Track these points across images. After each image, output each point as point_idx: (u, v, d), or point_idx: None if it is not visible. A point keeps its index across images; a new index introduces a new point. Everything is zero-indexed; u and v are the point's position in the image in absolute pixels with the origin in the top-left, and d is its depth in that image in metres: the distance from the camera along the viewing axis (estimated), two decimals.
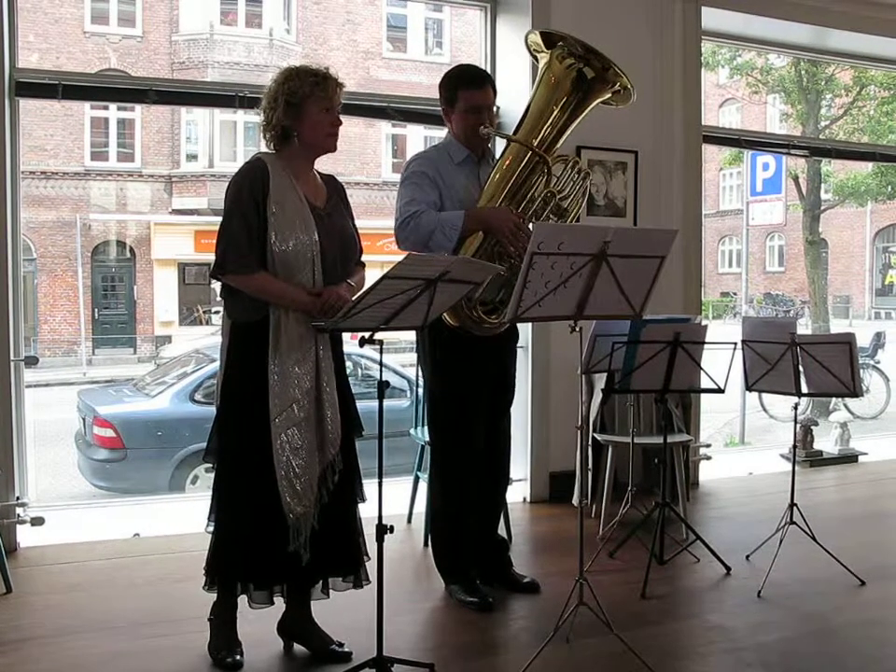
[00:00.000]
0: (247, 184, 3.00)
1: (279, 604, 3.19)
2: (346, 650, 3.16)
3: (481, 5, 5.52)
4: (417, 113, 5.43)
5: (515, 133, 3.69)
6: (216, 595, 3.13)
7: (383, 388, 2.88)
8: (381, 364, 2.95)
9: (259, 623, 3.21)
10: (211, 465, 3.14)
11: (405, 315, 2.79)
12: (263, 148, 3.19)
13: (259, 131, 3.18)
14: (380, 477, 2.89)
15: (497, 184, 3.59)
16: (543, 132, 3.61)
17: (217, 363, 3.24)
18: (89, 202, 19.30)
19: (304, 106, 3.05)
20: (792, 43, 6.71)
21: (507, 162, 3.60)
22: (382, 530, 2.86)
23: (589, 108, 3.67)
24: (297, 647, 3.25)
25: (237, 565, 3.05)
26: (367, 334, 2.79)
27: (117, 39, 19.10)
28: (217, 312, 18.41)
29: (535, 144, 3.57)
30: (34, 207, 17.87)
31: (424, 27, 21.69)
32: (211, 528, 3.10)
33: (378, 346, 2.84)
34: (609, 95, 3.66)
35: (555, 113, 3.61)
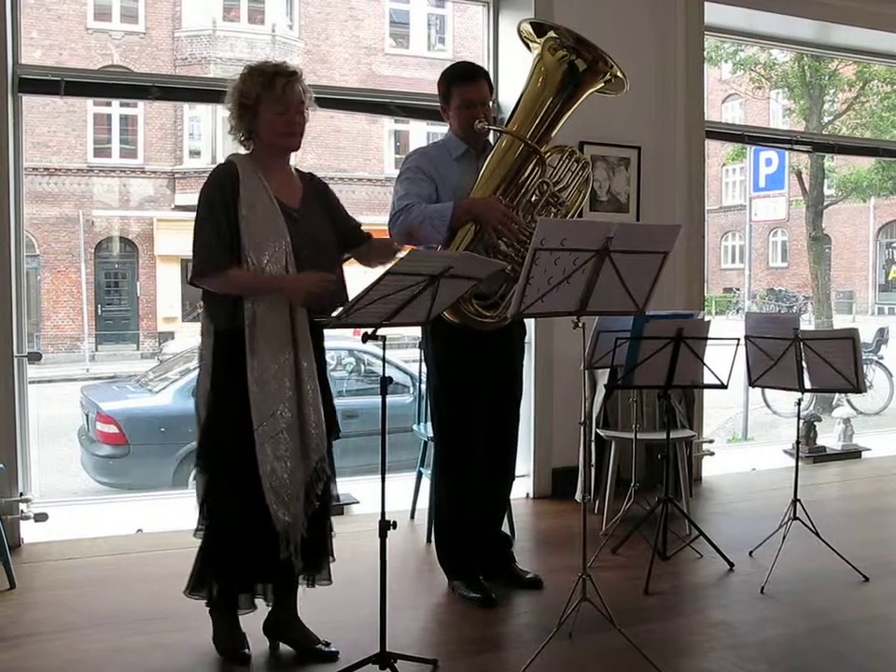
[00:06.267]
0: (218, 190, 2.98)
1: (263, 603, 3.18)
2: (332, 649, 3.15)
3: (483, 0, 5.51)
4: (420, 109, 5.42)
5: (507, 123, 3.69)
6: (204, 600, 3.10)
7: (386, 384, 2.87)
8: (384, 360, 2.94)
9: (243, 624, 3.18)
10: (198, 470, 3.12)
11: (408, 311, 2.78)
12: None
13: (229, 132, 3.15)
14: (383, 473, 2.88)
15: (489, 175, 3.59)
16: (536, 123, 3.59)
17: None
18: (92, 198, 19.30)
19: (258, 108, 3.00)
20: (796, 38, 6.69)
21: (499, 154, 3.59)
22: (385, 526, 2.87)
23: (581, 99, 3.66)
24: (283, 646, 3.22)
25: (232, 571, 3.04)
26: (370, 330, 2.78)
27: (119, 36, 19.09)
28: None
29: (528, 135, 3.55)
30: (36, 204, 17.88)
31: (426, 23, 21.66)
32: (199, 534, 3.11)
33: (381, 342, 2.83)
34: (602, 85, 3.66)
35: (548, 104, 3.60)
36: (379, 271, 2.68)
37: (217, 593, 3.08)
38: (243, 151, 3.14)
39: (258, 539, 2.97)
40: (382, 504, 2.88)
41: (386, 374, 2.89)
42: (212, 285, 2.99)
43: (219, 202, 2.95)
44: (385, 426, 2.88)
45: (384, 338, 2.81)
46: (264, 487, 2.93)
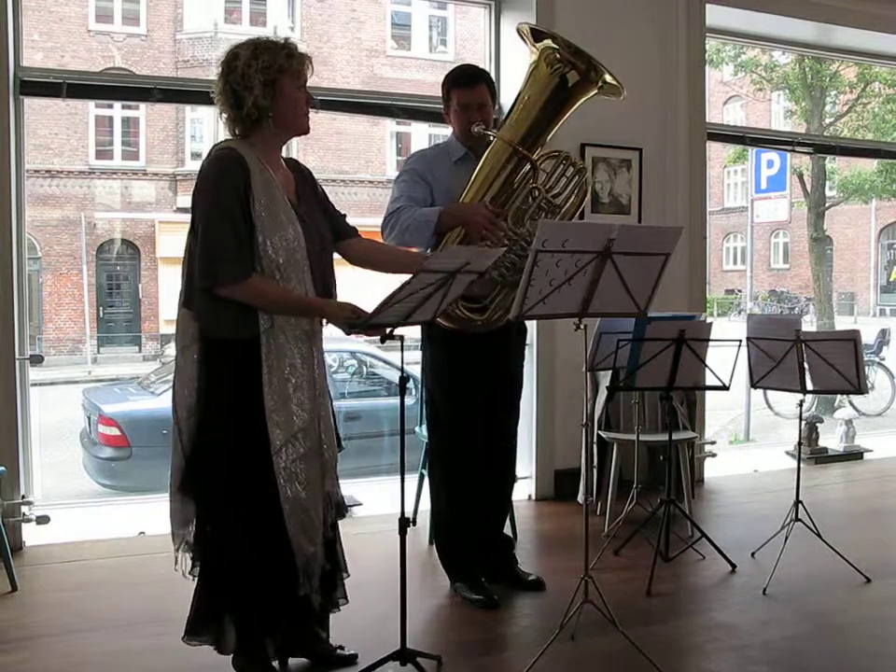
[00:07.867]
0: (227, 179, 2.66)
1: None
2: (352, 651, 3.10)
3: (485, 3, 5.51)
4: (421, 111, 5.41)
5: (500, 128, 3.69)
6: (197, 645, 2.88)
7: (405, 383, 2.82)
8: (402, 362, 2.83)
9: None
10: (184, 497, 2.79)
11: (423, 310, 2.70)
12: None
13: (223, 119, 2.79)
14: (402, 473, 2.87)
15: (478, 180, 3.59)
16: (527, 129, 3.59)
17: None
18: (93, 200, 19.31)
19: (280, 83, 2.70)
20: (797, 40, 6.70)
21: (490, 158, 3.59)
22: (404, 523, 2.87)
23: (575, 106, 3.65)
24: (291, 661, 3.11)
25: (252, 614, 2.81)
26: (388, 330, 2.72)
27: (121, 38, 19.10)
28: None
29: (518, 141, 3.54)
30: (38, 206, 17.88)
31: (428, 25, 21.66)
32: (196, 572, 2.85)
33: (399, 342, 2.76)
34: (596, 92, 3.65)
35: (540, 112, 3.59)
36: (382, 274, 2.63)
37: (240, 639, 2.86)
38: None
39: (275, 575, 2.76)
40: (401, 502, 2.90)
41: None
42: (234, 293, 2.65)
43: (230, 194, 2.65)
44: (403, 426, 2.85)
45: (402, 338, 2.76)
46: (286, 516, 2.71)
